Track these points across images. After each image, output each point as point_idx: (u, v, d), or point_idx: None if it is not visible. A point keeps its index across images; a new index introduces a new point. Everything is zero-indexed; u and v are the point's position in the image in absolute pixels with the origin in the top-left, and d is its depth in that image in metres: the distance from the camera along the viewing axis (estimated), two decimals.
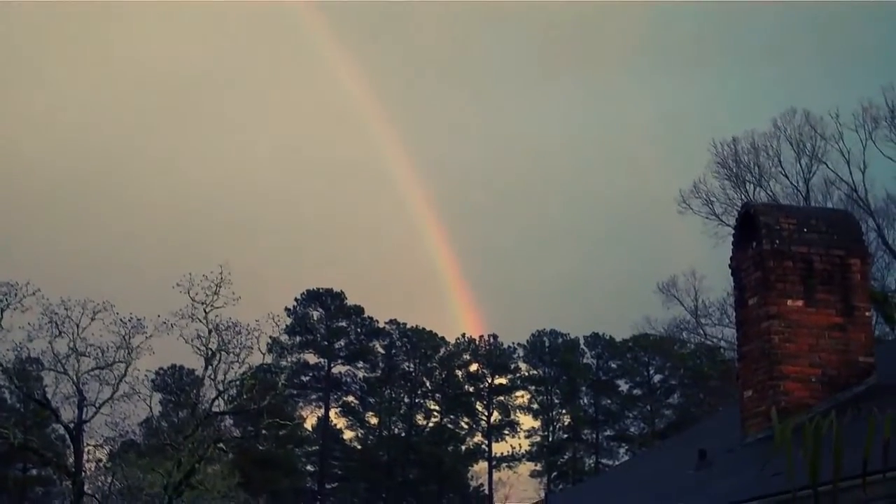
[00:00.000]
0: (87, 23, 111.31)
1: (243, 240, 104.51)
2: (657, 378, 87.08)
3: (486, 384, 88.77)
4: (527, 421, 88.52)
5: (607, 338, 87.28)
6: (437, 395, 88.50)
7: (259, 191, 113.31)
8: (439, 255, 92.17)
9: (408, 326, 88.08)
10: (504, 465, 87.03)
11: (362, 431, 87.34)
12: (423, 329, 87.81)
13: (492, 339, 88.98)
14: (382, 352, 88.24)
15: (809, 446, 3.35)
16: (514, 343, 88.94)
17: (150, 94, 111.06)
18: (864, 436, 3.51)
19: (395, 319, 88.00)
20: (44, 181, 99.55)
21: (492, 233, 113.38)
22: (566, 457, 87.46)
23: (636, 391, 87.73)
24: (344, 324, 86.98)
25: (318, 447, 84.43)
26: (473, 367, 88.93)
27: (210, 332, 38.38)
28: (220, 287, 38.13)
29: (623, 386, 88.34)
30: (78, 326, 37.58)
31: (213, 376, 39.03)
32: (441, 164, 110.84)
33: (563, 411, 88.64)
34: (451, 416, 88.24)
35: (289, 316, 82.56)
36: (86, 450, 39.39)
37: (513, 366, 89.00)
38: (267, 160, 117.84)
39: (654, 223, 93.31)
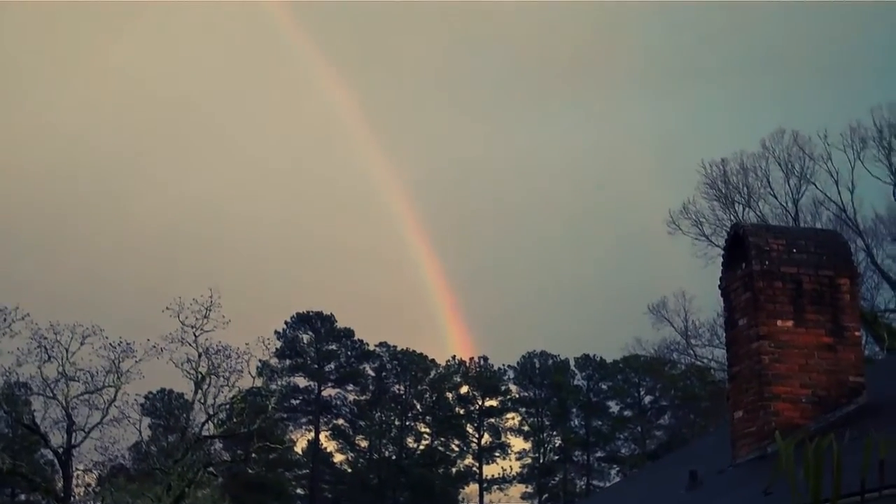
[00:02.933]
0: (71, 42, 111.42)
1: (233, 262, 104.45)
2: (648, 399, 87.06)
3: (477, 406, 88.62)
4: (517, 443, 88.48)
5: (598, 359, 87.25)
6: (428, 417, 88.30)
7: (249, 213, 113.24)
8: (430, 278, 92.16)
9: (398, 349, 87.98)
10: (495, 487, 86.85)
11: (352, 454, 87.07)
12: (414, 351, 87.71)
13: (482, 361, 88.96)
14: (373, 374, 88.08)
15: (812, 465, 3.31)
16: (504, 365, 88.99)
17: (140, 112, 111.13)
18: (858, 455, 3.51)
19: (386, 342, 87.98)
20: (32, 200, 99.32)
21: (482, 255, 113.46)
22: (557, 478, 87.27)
23: (627, 412, 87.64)
24: (334, 347, 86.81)
25: (308, 470, 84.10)
26: (464, 390, 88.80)
27: (200, 355, 38.33)
28: (210, 310, 38.11)
29: (614, 407, 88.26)
30: (67, 351, 37.54)
31: (202, 400, 38.96)
32: (432, 186, 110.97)
33: (554, 433, 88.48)
34: (442, 439, 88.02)
35: (279, 339, 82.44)
36: (75, 475, 39.26)
37: (503, 388, 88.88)
38: (257, 182, 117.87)
39: (644, 244, 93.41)
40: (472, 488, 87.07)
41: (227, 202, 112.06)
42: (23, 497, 70.58)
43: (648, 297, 60.65)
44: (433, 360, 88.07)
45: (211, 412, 39.00)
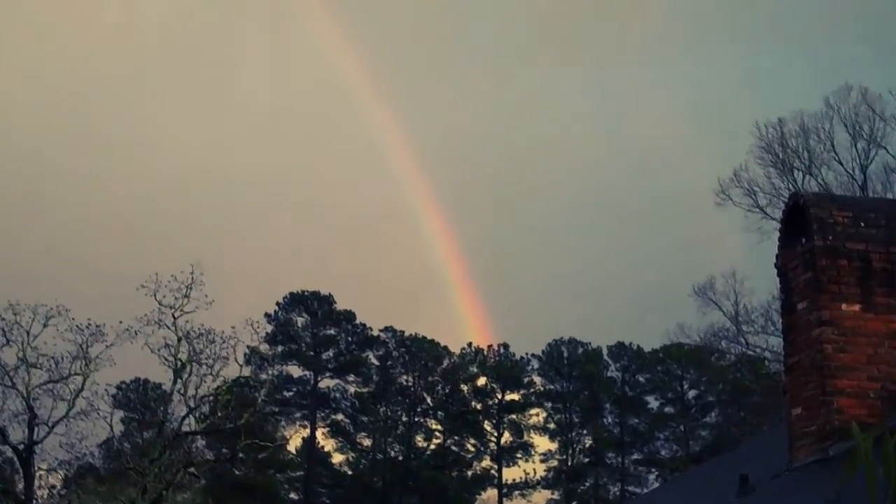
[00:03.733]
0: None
1: (218, 235, 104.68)
2: (692, 394, 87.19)
3: (496, 401, 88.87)
4: (542, 443, 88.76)
5: (634, 348, 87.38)
6: (440, 413, 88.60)
7: (236, 178, 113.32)
8: (442, 255, 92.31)
9: (406, 335, 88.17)
10: (516, 492, 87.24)
11: (353, 454, 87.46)
12: (424, 338, 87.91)
13: (502, 350, 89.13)
14: (377, 363, 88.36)
15: (893, 462, 3.24)
16: (527, 354, 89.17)
17: (113, 62, 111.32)
18: None
19: (392, 326, 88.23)
20: None
21: (502, 229, 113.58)
22: (587, 484, 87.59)
23: (668, 409, 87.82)
24: (332, 331, 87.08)
25: (302, 472, 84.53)
26: (481, 382, 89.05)
27: (179, 340, 38.52)
28: (191, 289, 38.27)
29: (653, 403, 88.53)
30: (28, 334, 37.75)
31: (182, 391, 39.15)
32: (445, 156, 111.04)
33: (584, 432, 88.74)
34: (456, 437, 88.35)
35: (269, 322, 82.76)
36: (37, 475, 39.49)
37: (526, 380, 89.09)
38: (247, 143, 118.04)
39: (688, 217, 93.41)
40: (490, 494, 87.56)
41: (208, 165, 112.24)
42: None
43: (693, 278, 60.70)
44: (446, 348, 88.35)
45: (192, 405, 39.22)
